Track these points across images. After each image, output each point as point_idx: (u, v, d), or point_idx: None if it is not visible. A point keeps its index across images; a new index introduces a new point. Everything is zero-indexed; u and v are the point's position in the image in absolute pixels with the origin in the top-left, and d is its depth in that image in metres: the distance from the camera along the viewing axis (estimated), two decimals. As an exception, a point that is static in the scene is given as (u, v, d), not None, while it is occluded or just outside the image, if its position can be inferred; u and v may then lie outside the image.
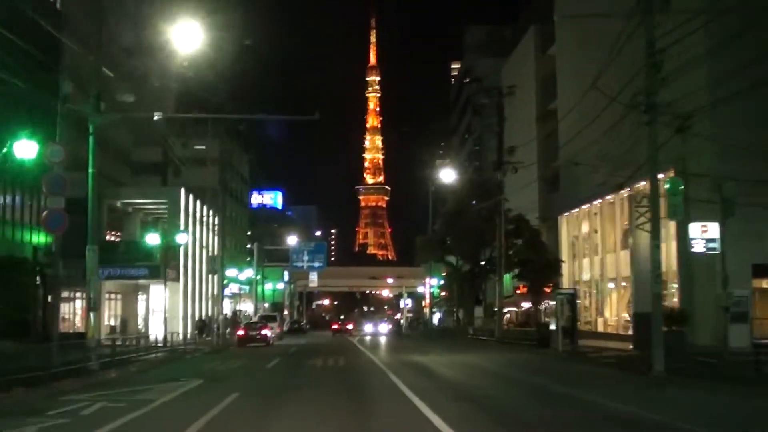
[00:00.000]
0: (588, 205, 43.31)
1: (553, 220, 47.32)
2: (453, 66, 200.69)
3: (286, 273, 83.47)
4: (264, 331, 40.02)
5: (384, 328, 47.53)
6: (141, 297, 45.22)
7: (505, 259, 39.70)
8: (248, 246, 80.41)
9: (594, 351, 28.96)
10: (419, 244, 50.26)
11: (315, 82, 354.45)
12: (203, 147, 68.89)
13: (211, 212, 51.32)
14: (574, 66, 44.86)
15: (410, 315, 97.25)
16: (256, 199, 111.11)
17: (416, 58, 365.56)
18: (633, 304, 30.84)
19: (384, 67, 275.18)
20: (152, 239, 36.64)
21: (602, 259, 41.03)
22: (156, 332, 39.19)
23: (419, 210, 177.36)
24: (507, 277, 57.75)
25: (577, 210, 44.98)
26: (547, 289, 51.31)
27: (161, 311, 38.68)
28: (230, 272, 63.10)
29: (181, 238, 38.06)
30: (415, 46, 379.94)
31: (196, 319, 40.82)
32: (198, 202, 47.05)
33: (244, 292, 67.29)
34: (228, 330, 42.66)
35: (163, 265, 37.00)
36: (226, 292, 61.16)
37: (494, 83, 65.25)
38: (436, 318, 78.92)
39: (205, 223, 49.38)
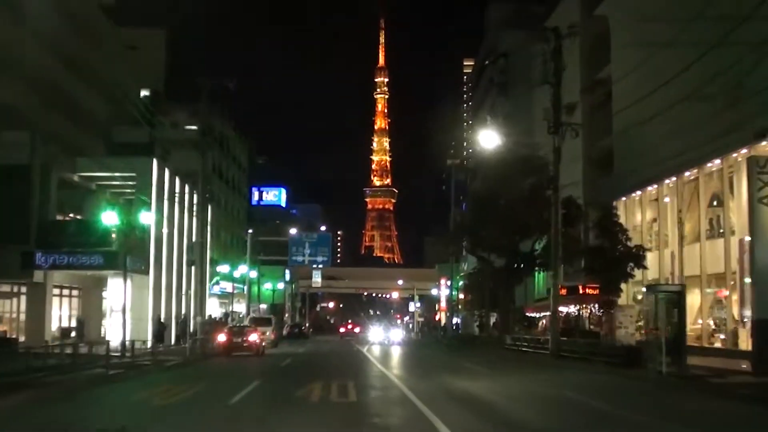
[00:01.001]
0: (654, 186, 34.21)
1: (605, 205, 37.97)
2: (465, 63, 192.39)
3: (287, 272, 74.42)
4: (252, 338, 31.03)
5: (397, 335, 38.08)
6: (106, 293, 36.06)
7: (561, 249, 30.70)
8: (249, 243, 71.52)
9: (711, 374, 19.76)
10: (443, 237, 40.79)
11: (323, 85, 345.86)
12: (195, 128, 60.26)
13: (195, 194, 42.28)
14: (632, 24, 35.94)
15: (421, 319, 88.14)
16: (259, 196, 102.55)
17: (426, 58, 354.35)
18: (755, 309, 21.62)
19: (393, 68, 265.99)
20: (108, 219, 27.44)
21: (676, 253, 31.81)
22: (116, 337, 30.01)
23: (428, 211, 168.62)
24: (541, 276, 48.44)
25: (639, 193, 35.81)
26: (591, 290, 42.22)
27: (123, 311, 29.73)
28: (222, 268, 54.25)
29: (146, 218, 29.01)
30: (425, 46, 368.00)
31: (157, 320, 31.63)
32: (177, 180, 37.91)
33: (239, 291, 58.11)
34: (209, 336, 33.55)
35: (122, 253, 27.94)
36: (216, 290, 52.07)
37: (523, 59, 56.32)
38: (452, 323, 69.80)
39: (187, 208, 40.33)
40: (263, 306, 70.81)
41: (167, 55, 65.31)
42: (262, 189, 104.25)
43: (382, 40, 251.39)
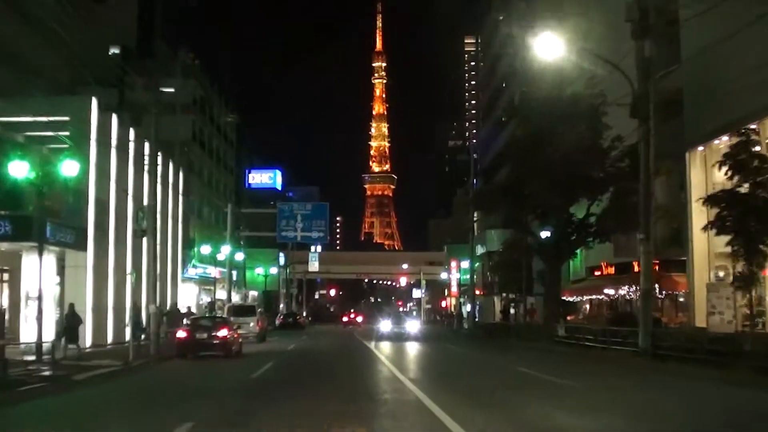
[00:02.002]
0: (753, 126, 25.45)
1: (671, 159, 29.09)
2: (466, 41, 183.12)
3: (281, 255, 65.73)
4: (222, 333, 22.42)
5: (413, 326, 29.10)
6: (31, 275, 27.11)
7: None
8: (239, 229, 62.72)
9: None
10: (472, 197, 31.81)
11: (321, 70, 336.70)
12: (172, 90, 51.36)
13: (166, 163, 33.57)
14: None
15: (428, 306, 79.56)
16: (252, 179, 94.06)
17: (425, 40, 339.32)
18: None
19: (392, 53, 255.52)
20: (16, 170, 18.66)
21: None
22: (47, 334, 21.14)
23: (429, 196, 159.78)
24: (578, 254, 39.66)
25: (725, 138, 26.98)
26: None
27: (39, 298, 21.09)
28: (204, 249, 45.67)
29: (69, 168, 20.25)
30: (424, 28, 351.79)
31: (70, 310, 22.65)
32: (132, 133, 28.97)
33: (225, 276, 49.33)
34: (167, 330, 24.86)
35: (37, 218, 19.31)
36: (193, 274, 43.40)
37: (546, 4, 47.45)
38: (463, 311, 61.17)
39: (152, 173, 31.55)
40: (254, 293, 62.21)
41: (141, 11, 56.44)
42: (256, 171, 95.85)
43: (379, 24, 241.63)
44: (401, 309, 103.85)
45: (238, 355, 23.53)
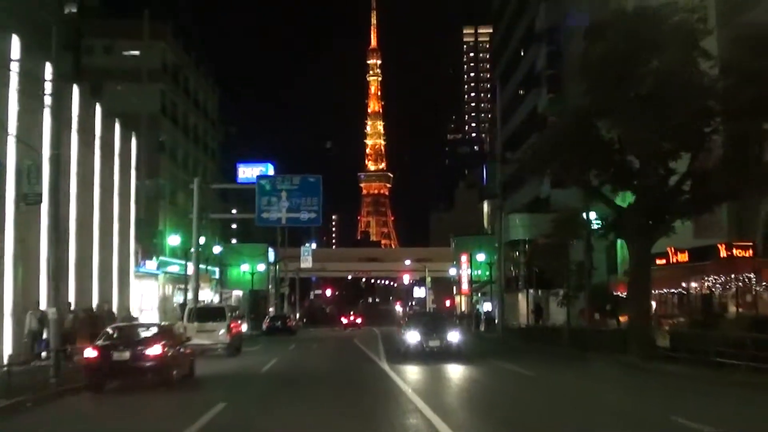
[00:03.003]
0: None
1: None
2: (465, 32, 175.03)
3: (270, 251, 57.33)
4: (154, 350, 14.08)
5: (455, 336, 20.11)
6: None
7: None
8: (233, 226, 54.53)
9: None
10: (525, 151, 22.50)
11: (315, 68, 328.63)
12: (137, 53, 42.98)
13: (115, 134, 25.14)
14: None
15: (433, 306, 71.23)
16: (243, 173, 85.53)
17: (422, 33, 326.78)
18: None
19: (388, 49, 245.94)
20: None
21: None
22: None
23: (428, 192, 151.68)
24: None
25: None
26: (741, 251, 25.45)
27: None
28: (173, 240, 37.56)
29: None
30: (421, 21, 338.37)
31: None
32: (49, 68, 20.17)
33: (202, 272, 40.80)
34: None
35: None
36: (152, 268, 35.00)
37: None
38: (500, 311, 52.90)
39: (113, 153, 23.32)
40: (238, 293, 53.75)
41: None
42: (246, 165, 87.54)
43: (374, 21, 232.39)
44: (401, 309, 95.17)
45: (186, 381, 15.32)
